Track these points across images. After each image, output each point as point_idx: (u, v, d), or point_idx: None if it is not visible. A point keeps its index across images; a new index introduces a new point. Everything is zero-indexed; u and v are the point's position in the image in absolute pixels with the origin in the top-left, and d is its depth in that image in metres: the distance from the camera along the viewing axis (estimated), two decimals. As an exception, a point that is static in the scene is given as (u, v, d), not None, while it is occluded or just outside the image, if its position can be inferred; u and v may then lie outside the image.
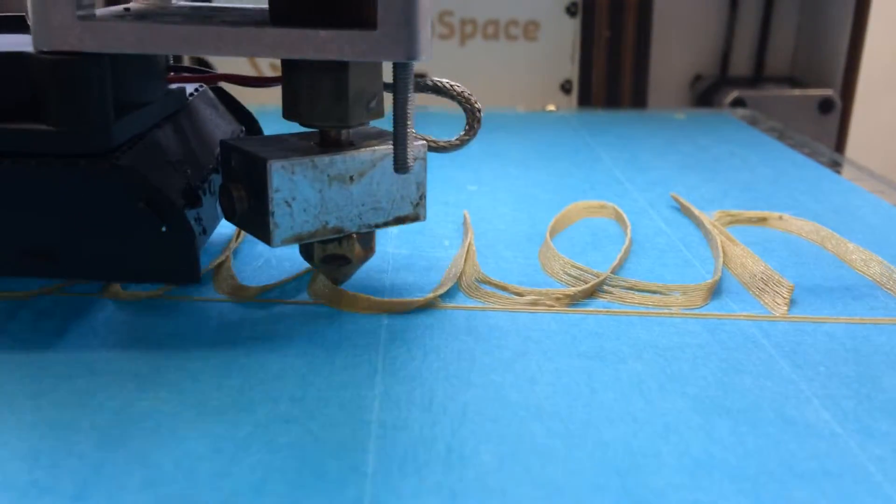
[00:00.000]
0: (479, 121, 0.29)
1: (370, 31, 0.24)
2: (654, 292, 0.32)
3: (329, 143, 0.28)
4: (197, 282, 0.28)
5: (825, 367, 0.27)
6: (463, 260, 0.34)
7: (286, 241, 0.27)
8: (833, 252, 0.37)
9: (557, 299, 0.31)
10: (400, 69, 0.25)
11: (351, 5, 0.25)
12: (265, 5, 0.27)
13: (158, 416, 0.23)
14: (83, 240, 0.27)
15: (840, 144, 1.01)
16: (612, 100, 0.92)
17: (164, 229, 0.26)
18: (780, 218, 0.41)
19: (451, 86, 0.29)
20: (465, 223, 0.38)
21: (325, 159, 0.27)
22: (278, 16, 0.26)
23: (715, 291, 0.32)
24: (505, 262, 0.35)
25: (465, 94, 0.29)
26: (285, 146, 0.28)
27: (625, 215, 0.40)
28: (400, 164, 0.26)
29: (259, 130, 0.37)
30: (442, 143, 0.30)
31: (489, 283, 0.32)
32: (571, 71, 0.84)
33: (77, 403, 0.23)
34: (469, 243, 0.35)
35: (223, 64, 0.72)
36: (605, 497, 0.20)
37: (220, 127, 0.34)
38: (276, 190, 0.26)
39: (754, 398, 0.25)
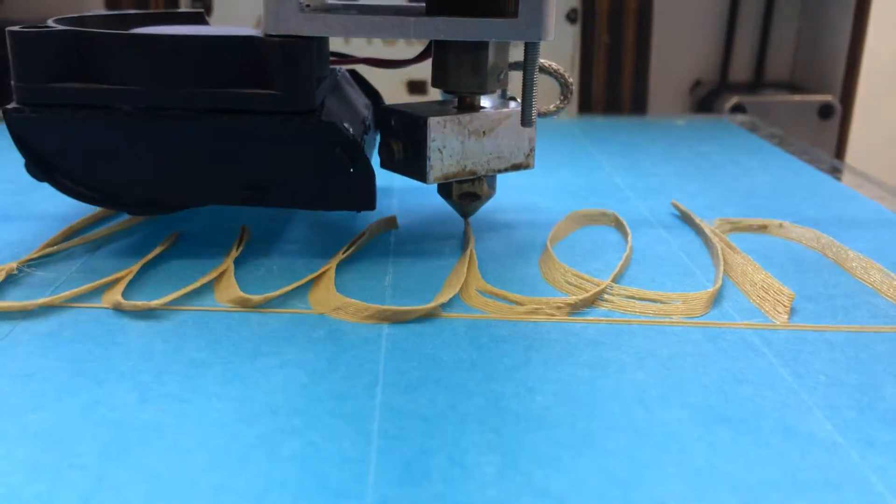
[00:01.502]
0: (571, 92, 0.38)
1: (513, 19, 0.32)
2: (655, 301, 0.32)
3: (465, 106, 0.37)
4: (373, 209, 0.36)
5: (826, 376, 0.27)
6: (464, 268, 0.34)
7: (437, 179, 0.35)
8: (833, 260, 0.37)
9: (558, 308, 0.31)
10: (530, 48, 0.34)
11: (494, 1, 0.33)
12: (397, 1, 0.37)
13: (160, 427, 0.23)
14: (290, 177, 0.35)
15: (840, 149, 1.01)
16: (612, 106, 0.92)
17: (352, 170, 0.34)
18: (781, 226, 0.41)
19: (549, 64, 0.37)
20: (465, 231, 0.38)
21: (466, 117, 0.35)
22: (433, 7, 0.34)
23: (716, 300, 0.32)
24: (506, 270, 0.35)
25: (560, 71, 0.37)
26: (433, 109, 0.36)
27: (625, 223, 0.40)
28: (526, 120, 0.35)
29: (381, 101, 0.45)
30: (542, 110, 0.38)
31: (490, 291, 0.32)
32: (571, 77, 0.84)
33: (79, 415, 0.23)
34: (470, 252, 0.35)
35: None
36: (607, 508, 0.20)
37: (358, 98, 0.43)
38: (433, 140, 0.35)
39: (755, 407, 0.25)
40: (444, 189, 0.38)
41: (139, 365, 0.26)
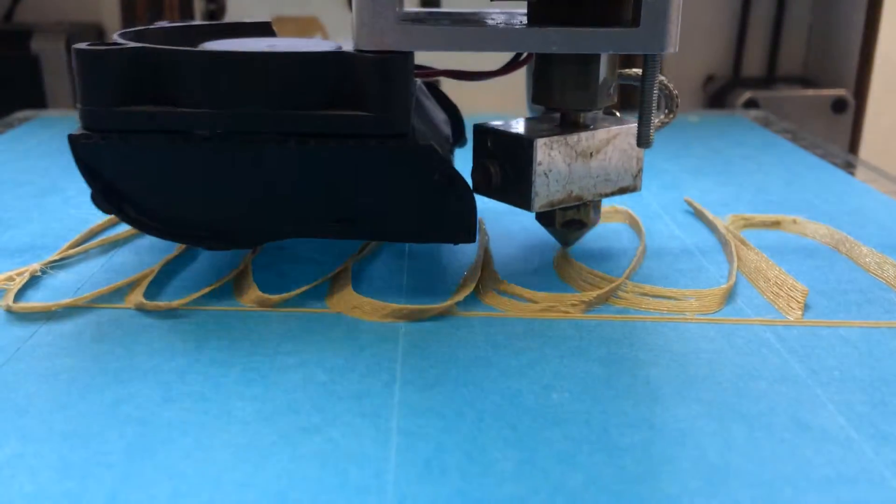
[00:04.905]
0: (677, 105, 0.35)
1: (632, 28, 0.29)
2: (669, 298, 0.32)
3: (569, 124, 0.33)
4: (473, 241, 0.32)
5: (840, 372, 0.27)
6: (479, 267, 0.34)
7: (542, 207, 0.32)
8: (847, 255, 0.37)
9: (573, 305, 0.31)
10: (650, 60, 0.30)
11: (608, 7, 0.30)
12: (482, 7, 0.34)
13: (184, 426, 0.23)
14: (380, 207, 0.32)
15: (854, 143, 1.00)
16: (624, 101, 0.92)
17: (451, 198, 0.31)
18: (794, 221, 0.41)
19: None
20: (480, 230, 0.39)
21: (573, 137, 0.32)
22: (539, 16, 0.31)
23: (729, 296, 0.32)
24: (521, 268, 0.35)
25: (665, 83, 0.35)
26: (535, 127, 0.33)
27: (639, 220, 0.40)
28: (643, 140, 0.31)
29: (459, 115, 0.41)
30: None
31: (505, 289, 0.33)
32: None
33: (105, 414, 0.24)
34: (485, 250, 0.36)
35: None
36: (623, 503, 0.20)
37: (437, 114, 0.39)
38: (539, 163, 0.31)
39: (769, 403, 0.25)
40: (546, 216, 0.35)
41: (162, 364, 0.27)
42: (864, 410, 0.25)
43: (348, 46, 0.30)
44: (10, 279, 0.33)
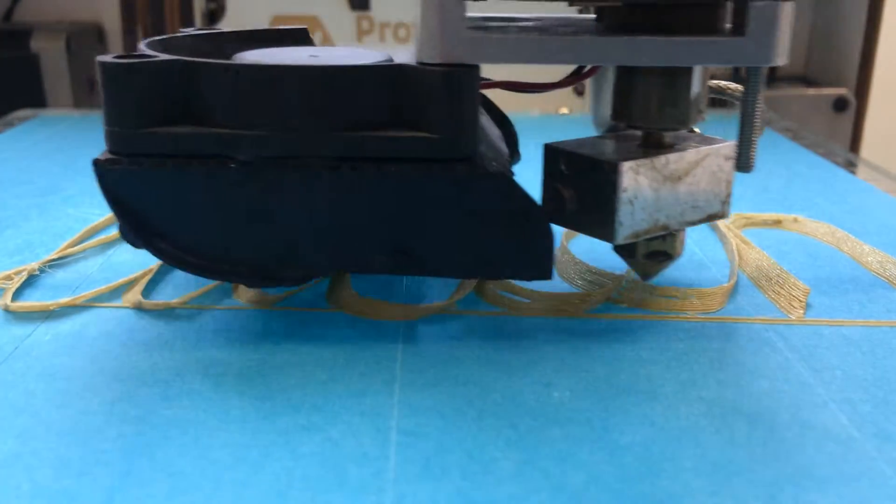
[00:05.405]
0: (769, 121, 0.31)
1: (737, 38, 0.26)
2: (670, 296, 0.32)
3: (651, 144, 0.29)
4: (549, 279, 0.29)
5: (842, 371, 0.27)
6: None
7: (626, 238, 0.29)
8: (849, 254, 0.37)
9: (574, 304, 0.31)
10: (753, 73, 0.27)
11: (705, 15, 0.27)
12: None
13: (182, 424, 0.23)
14: (442, 239, 0.28)
15: (855, 143, 1.00)
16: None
17: (525, 230, 0.28)
18: (795, 220, 0.41)
19: (726, 85, 0.31)
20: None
21: (661, 159, 0.28)
22: (618, 24, 0.28)
23: (731, 295, 0.32)
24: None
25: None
26: (615, 149, 0.29)
27: (639, 219, 0.40)
28: (743, 163, 0.28)
29: (512, 129, 0.37)
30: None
31: (506, 288, 0.33)
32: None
33: (103, 412, 0.24)
34: (485, 249, 0.36)
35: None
36: (624, 502, 0.20)
37: (493, 130, 0.35)
38: (624, 189, 0.28)
39: (771, 402, 0.25)
40: (626, 246, 0.30)
41: (160, 363, 0.27)
42: (866, 409, 0.24)
43: (399, 57, 0.28)
44: (9, 278, 0.33)
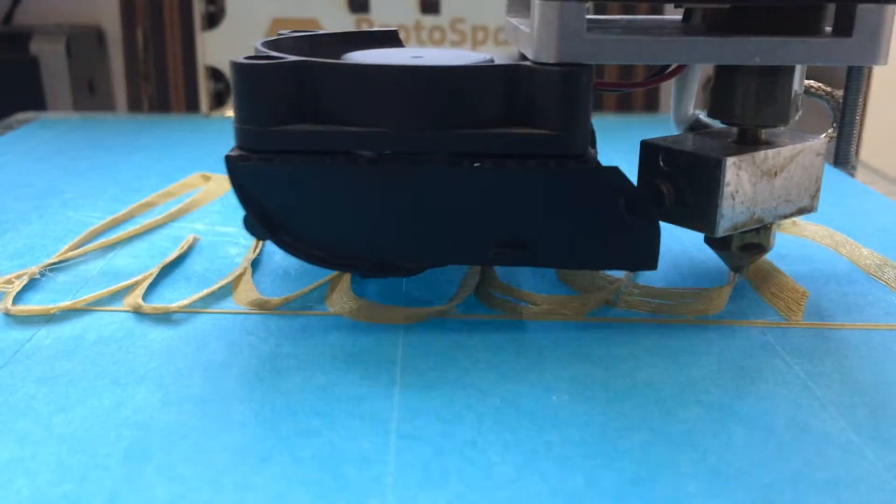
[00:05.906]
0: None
1: (843, 39, 0.27)
2: (669, 299, 0.32)
3: (747, 140, 0.31)
4: (655, 269, 0.30)
5: (840, 374, 0.27)
6: (479, 268, 0.34)
7: (726, 231, 0.30)
8: (847, 257, 0.37)
9: (573, 307, 0.31)
10: (855, 72, 0.29)
11: (807, 16, 0.28)
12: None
13: (182, 428, 0.23)
14: (555, 232, 0.30)
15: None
16: (624, 103, 0.92)
17: (635, 224, 0.29)
18: (794, 223, 0.41)
19: (818, 86, 0.33)
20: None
21: (760, 155, 0.30)
22: (718, 23, 0.30)
23: (729, 298, 0.32)
24: (520, 270, 0.35)
25: (834, 94, 0.33)
26: (714, 145, 0.31)
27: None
28: (842, 159, 0.30)
29: (592, 129, 0.37)
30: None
31: (505, 292, 0.33)
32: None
33: (103, 417, 0.24)
34: (484, 252, 0.36)
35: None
36: (623, 506, 0.20)
37: None
38: (727, 184, 0.29)
39: (770, 405, 0.25)
40: (720, 239, 0.32)
41: (160, 367, 0.27)
42: (864, 413, 0.25)
43: (499, 58, 0.29)
44: (9, 282, 0.33)
